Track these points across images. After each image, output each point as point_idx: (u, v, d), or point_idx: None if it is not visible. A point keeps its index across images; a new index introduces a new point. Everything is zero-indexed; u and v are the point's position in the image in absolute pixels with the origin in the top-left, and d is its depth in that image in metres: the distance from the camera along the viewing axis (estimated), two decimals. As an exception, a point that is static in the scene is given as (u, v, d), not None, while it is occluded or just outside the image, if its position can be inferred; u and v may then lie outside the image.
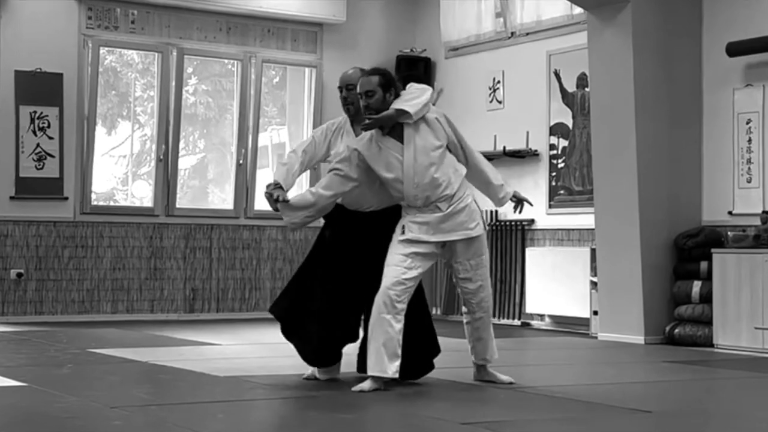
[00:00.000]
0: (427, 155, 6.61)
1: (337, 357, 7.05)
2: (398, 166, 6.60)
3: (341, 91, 7.00)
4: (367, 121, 6.61)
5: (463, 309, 6.92)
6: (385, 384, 6.54)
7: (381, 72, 6.72)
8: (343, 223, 6.95)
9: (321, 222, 7.09)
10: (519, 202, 7.00)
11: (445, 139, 6.70)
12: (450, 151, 6.75)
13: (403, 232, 6.66)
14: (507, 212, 11.86)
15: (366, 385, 6.53)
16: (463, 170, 6.76)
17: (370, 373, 6.52)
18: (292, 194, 6.82)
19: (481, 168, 6.88)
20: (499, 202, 6.99)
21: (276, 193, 6.69)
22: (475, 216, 6.72)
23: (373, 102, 6.61)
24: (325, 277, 6.92)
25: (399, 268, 6.57)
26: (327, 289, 6.88)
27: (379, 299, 6.52)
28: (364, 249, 6.88)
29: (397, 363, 6.52)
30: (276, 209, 6.74)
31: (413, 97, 6.65)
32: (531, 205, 7.10)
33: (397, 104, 6.60)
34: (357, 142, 6.73)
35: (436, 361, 7.16)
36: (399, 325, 6.52)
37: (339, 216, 6.93)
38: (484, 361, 6.97)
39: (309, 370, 7.11)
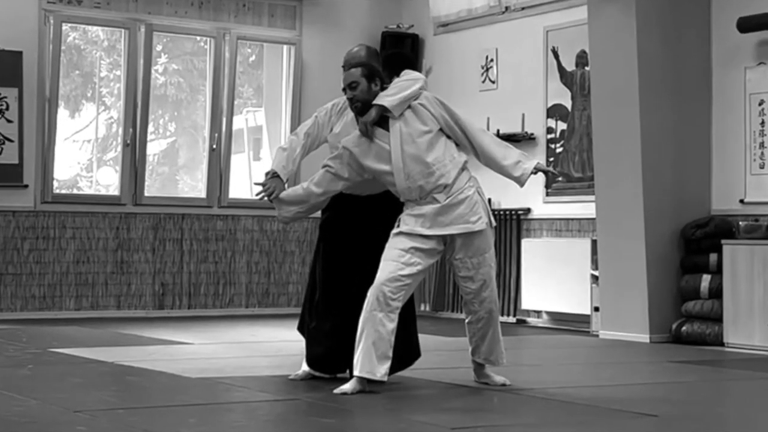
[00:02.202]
0: (413, 143, 6.63)
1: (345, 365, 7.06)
2: (388, 157, 6.65)
3: (344, 70, 7.04)
4: (359, 129, 6.72)
5: (464, 309, 6.90)
6: (369, 385, 6.52)
7: (363, 63, 6.85)
8: (340, 208, 7.03)
9: (317, 213, 7.18)
10: (545, 174, 6.96)
11: (435, 124, 6.71)
12: (448, 136, 6.74)
13: (398, 225, 6.67)
14: (501, 201, 11.85)
15: (349, 386, 6.51)
16: (462, 159, 6.75)
17: (356, 373, 6.51)
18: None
19: (489, 149, 6.81)
20: (519, 182, 6.85)
21: (270, 184, 6.74)
22: (477, 209, 6.69)
23: (358, 93, 6.71)
24: (325, 273, 7.05)
25: (396, 263, 6.56)
26: (328, 292, 7.02)
27: (371, 295, 6.51)
28: (361, 235, 6.95)
29: (387, 365, 6.51)
30: (270, 201, 6.85)
31: (398, 91, 6.72)
32: (556, 175, 6.99)
33: (378, 98, 6.68)
34: (348, 140, 6.76)
35: (424, 360, 7.14)
36: (392, 325, 6.51)
37: (336, 199, 7.00)
38: (486, 361, 6.95)
39: (300, 369, 7.11)
